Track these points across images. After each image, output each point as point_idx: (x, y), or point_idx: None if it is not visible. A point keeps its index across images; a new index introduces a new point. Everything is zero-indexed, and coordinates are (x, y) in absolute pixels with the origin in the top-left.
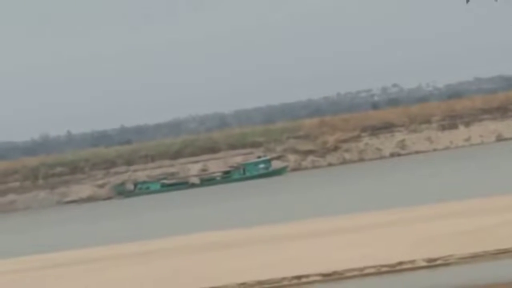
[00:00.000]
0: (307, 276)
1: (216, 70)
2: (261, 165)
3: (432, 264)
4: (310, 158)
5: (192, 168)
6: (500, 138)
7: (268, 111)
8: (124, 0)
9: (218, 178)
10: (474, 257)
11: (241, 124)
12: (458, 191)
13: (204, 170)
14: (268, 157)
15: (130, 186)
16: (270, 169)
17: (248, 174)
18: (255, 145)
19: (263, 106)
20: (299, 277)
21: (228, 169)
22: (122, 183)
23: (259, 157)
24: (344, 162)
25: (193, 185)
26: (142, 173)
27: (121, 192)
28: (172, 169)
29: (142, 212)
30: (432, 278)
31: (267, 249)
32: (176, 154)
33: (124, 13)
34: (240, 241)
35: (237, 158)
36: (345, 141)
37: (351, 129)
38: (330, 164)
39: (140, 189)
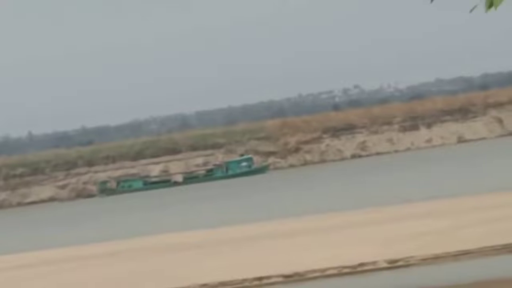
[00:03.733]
0: (268, 277)
1: (177, 71)
2: (244, 163)
3: (393, 265)
4: (272, 159)
5: (153, 169)
6: (461, 140)
7: (229, 112)
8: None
9: (201, 176)
10: (436, 259)
11: (203, 125)
12: (419, 192)
13: (165, 171)
14: (250, 156)
15: (112, 184)
16: (253, 167)
17: (230, 172)
18: (216, 146)
19: (225, 107)
20: (260, 278)
21: (211, 167)
22: (105, 182)
23: (241, 155)
24: (305, 163)
25: (175, 183)
26: (103, 174)
27: (104, 190)
28: (133, 170)
29: (123, 211)
30: (393, 279)
31: (229, 250)
32: (137, 155)
33: (86, 14)
34: (202, 242)
35: (198, 159)
36: (306, 142)
37: (312, 131)
38: (291, 166)
39: (123, 187)
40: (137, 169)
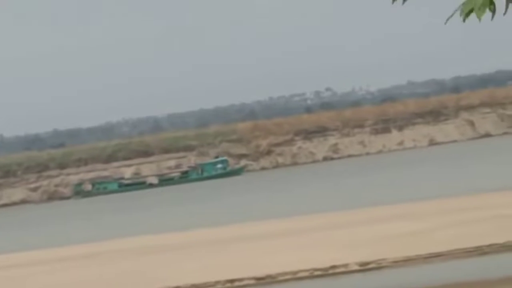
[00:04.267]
0: (240, 279)
1: (149, 73)
2: (219, 165)
3: (365, 267)
4: (243, 161)
5: (125, 172)
6: (433, 142)
7: (201, 115)
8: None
9: (176, 178)
10: (407, 261)
11: (175, 127)
12: (391, 195)
13: (137, 173)
14: (225, 158)
15: (88, 186)
16: (228, 169)
17: (206, 174)
18: (188, 148)
19: (197, 110)
20: (232, 281)
21: (186, 169)
22: (80, 184)
23: (216, 157)
24: (277, 165)
25: (151, 185)
26: (75, 176)
27: (79, 192)
28: (105, 173)
29: (97, 213)
30: (365, 282)
31: (202, 253)
32: (109, 158)
33: (56, 15)
34: (175, 245)
35: (170, 162)
36: (278, 145)
37: (284, 133)
38: (263, 168)
39: (98, 189)
40: (109, 172)
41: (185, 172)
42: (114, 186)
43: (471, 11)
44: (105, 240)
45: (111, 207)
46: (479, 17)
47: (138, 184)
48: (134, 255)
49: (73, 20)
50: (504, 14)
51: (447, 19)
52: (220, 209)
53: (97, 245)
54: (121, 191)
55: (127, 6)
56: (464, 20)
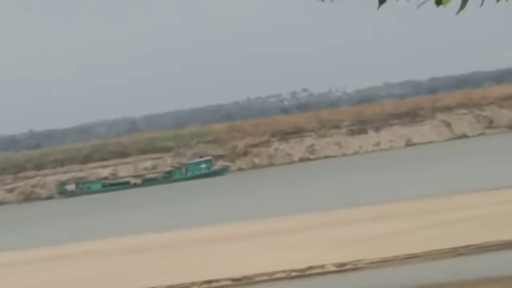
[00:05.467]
0: (217, 280)
1: (126, 74)
2: (203, 165)
3: (341, 268)
4: (220, 162)
5: (102, 173)
6: (409, 143)
7: (178, 116)
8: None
9: (160, 178)
10: (383, 262)
11: (151, 128)
12: (367, 196)
13: (113, 174)
14: (210, 157)
15: (71, 186)
16: (212, 169)
17: (189, 174)
18: (164, 149)
19: (173, 111)
20: (209, 282)
21: (170, 168)
22: (63, 183)
23: (201, 157)
24: (254, 167)
25: (134, 185)
26: (51, 177)
27: (63, 192)
28: (81, 174)
29: (78, 213)
30: (341, 283)
31: (178, 254)
32: (86, 159)
33: (30, 15)
34: (151, 246)
35: (146, 163)
36: (254, 146)
37: (260, 134)
38: (239, 169)
39: (81, 189)
40: (86, 173)
41: (169, 172)
42: (98, 186)
43: None
44: (83, 240)
45: (94, 207)
46: (444, 4)
47: (122, 184)
48: (111, 256)
49: (47, 20)
50: (481, 5)
51: (420, 4)
52: (200, 209)
53: (75, 245)
54: (105, 191)
55: (101, 7)
56: (437, 5)
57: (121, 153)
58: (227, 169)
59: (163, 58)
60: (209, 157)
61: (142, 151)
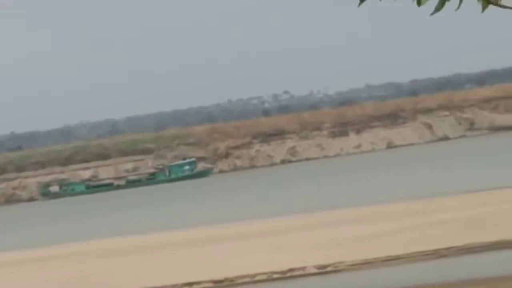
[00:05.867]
0: (198, 282)
1: (107, 76)
2: (187, 167)
3: (322, 270)
4: (201, 164)
5: (83, 175)
6: (390, 145)
7: (159, 118)
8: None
9: (144, 180)
10: (365, 264)
11: (132, 130)
12: (349, 198)
13: (94, 176)
14: (193, 159)
15: (55, 188)
16: (195, 170)
17: (173, 175)
18: (146, 151)
19: (155, 113)
20: (190, 284)
21: (153, 170)
22: (47, 185)
23: (184, 158)
24: (235, 169)
25: (118, 187)
26: (32, 179)
27: (46, 193)
28: (62, 176)
29: (64, 215)
30: (323, 285)
31: (160, 256)
32: (67, 161)
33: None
34: (134, 248)
35: (128, 165)
36: (236, 148)
37: (242, 136)
38: (221, 171)
39: (65, 190)
40: (67, 175)
41: (153, 174)
42: (82, 187)
43: None
44: (65, 242)
45: (77, 209)
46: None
47: (105, 186)
48: (93, 258)
49: (27, 22)
50: (456, 9)
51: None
52: (182, 211)
53: (57, 247)
54: (89, 193)
55: (82, 9)
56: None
57: (103, 155)
58: (211, 171)
59: (144, 60)
60: (193, 159)
61: (123, 153)
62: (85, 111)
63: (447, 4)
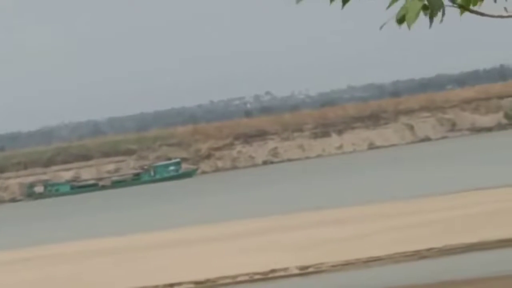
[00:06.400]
0: (179, 284)
1: (89, 77)
2: (171, 167)
3: (304, 271)
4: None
5: (65, 176)
6: (372, 146)
7: (141, 119)
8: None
9: (129, 180)
10: (346, 265)
11: (114, 131)
12: (330, 199)
13: (76, 177)
14: (178, 159)
15: (39, 188)
16: (180, 171)
17: (158, 176)
18: (128, 152)
19: (137, 114)
20: (171, 285)
21: (138, 170)
22: (32, 185)
23: (169, 159)
24: (217, 170)
25: (103, 187)
26: (14, 180)
27: (31, 194)
28: (44, 177)
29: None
30: (304, 285)
31: (141, 257)
32: (49, 162)
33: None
34: (115, 249)
35: (109, 166)
36: (218, 149)
37: (224, 137)
38: (203, 172)
39: (50, 191)
40: (49, 176)
41: (138, 174)
42: (67, 188)
43: (403, 17)
44: (45, 243)
45: (60, 210)
46: (409, 25)
47: (90, 186)
48: (72, 259)
49: (5, 22)
50: (441, 22)
51: (382, 26)
52: (164, 212)
53: (36, 249)
54: (74, 193)
55: (62, 9)
56: (399, 24)
57: (84, 156)
58: (195, 171)
59: (126, 61)
60: (178, 159)
61: (105, 154)
62: (67, 112)
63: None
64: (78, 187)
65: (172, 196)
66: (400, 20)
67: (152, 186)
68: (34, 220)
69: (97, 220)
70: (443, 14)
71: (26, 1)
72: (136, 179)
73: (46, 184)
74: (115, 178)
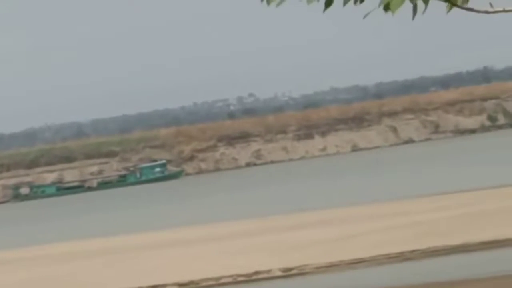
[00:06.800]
0: (163, 285)
1: (72, 79)
2: (157, 169)
3: (288, 273)
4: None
5: (48, 177)
6: (355, 148)
7: (124, 121)
8: None
9: (114, 182)
10: (330, 267)
11: (98, 133)
12: (313, 201)
13: (59, 179)
14: (164, 161)
15: (25, 190)
16: (166, 172)
17: (144, 177)
18: (111, 154)
19: (120, 116)
20: (155, 287)
21: (124, 172)
22: (17, 187)
23: (154, 160)
24: (200, 171)
25: (89, 189)
26: None
27: (17, 195)
28: (27, 178)
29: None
30: (288, 287)
31: (124, 259)
32: (32, 164)
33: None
34: (98, 250)
35: (93, 168)
36: (201, 150)
37: (207, 139)
38: (186, 174)
39: (36, 192)
40: (32, 177)
41: (123, 176)
42: (52, 189)
43: (388, 4)
44: (29, 246)
45: (45, 212)
46: (392, 11)
47: (76, 188)
48: (56, 261)
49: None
50: (423, 13)
51: (366, 15)
52: (149, 214)
53: (21, 251)
54: (60, 195)
55: (50, 11)
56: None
57: (68, 158)
58: (182, 173)
59: (109, 63)
60: (163, 161)
61: (89, 155)
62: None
63: (409, 7)
64: (64, 189)
65: (156, 198)
66: (386, 6)
67: (137, 187)
68: (20, 221)
69: (84, 222)
70: (426, 3)
71: (13, 2)
72: (122, 180)
73: (32, 185)
74: (101, 180)
